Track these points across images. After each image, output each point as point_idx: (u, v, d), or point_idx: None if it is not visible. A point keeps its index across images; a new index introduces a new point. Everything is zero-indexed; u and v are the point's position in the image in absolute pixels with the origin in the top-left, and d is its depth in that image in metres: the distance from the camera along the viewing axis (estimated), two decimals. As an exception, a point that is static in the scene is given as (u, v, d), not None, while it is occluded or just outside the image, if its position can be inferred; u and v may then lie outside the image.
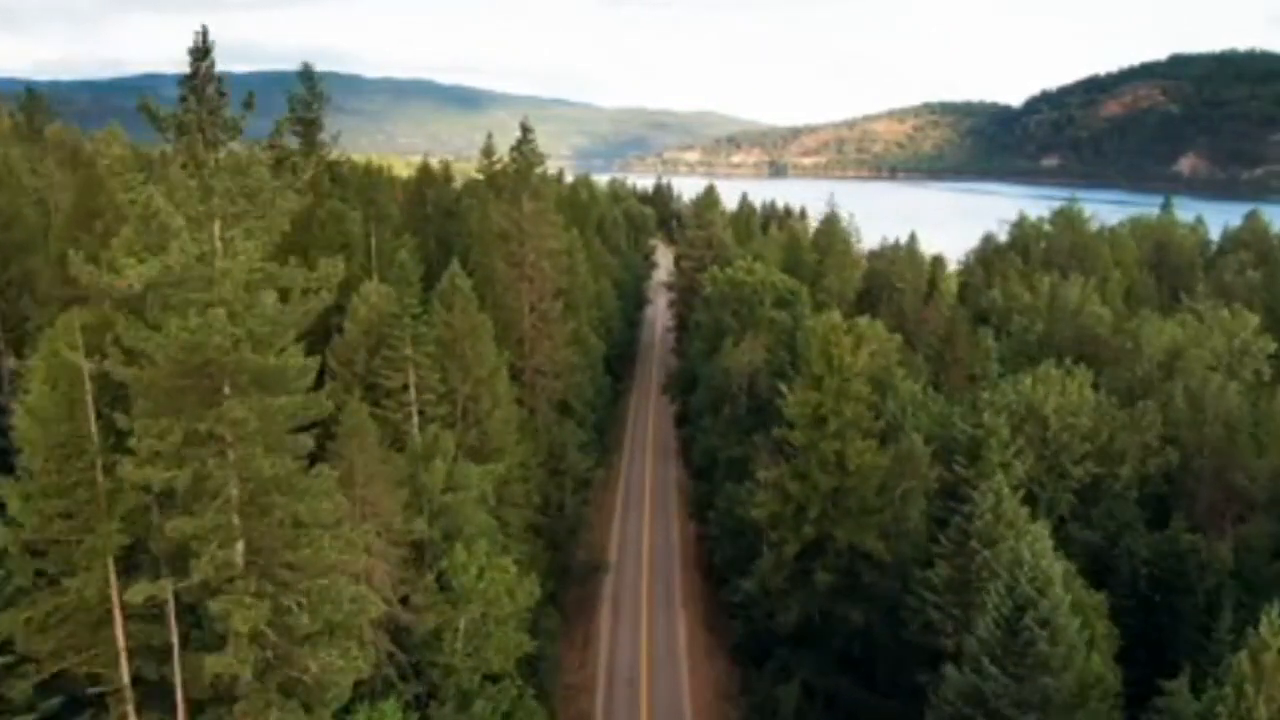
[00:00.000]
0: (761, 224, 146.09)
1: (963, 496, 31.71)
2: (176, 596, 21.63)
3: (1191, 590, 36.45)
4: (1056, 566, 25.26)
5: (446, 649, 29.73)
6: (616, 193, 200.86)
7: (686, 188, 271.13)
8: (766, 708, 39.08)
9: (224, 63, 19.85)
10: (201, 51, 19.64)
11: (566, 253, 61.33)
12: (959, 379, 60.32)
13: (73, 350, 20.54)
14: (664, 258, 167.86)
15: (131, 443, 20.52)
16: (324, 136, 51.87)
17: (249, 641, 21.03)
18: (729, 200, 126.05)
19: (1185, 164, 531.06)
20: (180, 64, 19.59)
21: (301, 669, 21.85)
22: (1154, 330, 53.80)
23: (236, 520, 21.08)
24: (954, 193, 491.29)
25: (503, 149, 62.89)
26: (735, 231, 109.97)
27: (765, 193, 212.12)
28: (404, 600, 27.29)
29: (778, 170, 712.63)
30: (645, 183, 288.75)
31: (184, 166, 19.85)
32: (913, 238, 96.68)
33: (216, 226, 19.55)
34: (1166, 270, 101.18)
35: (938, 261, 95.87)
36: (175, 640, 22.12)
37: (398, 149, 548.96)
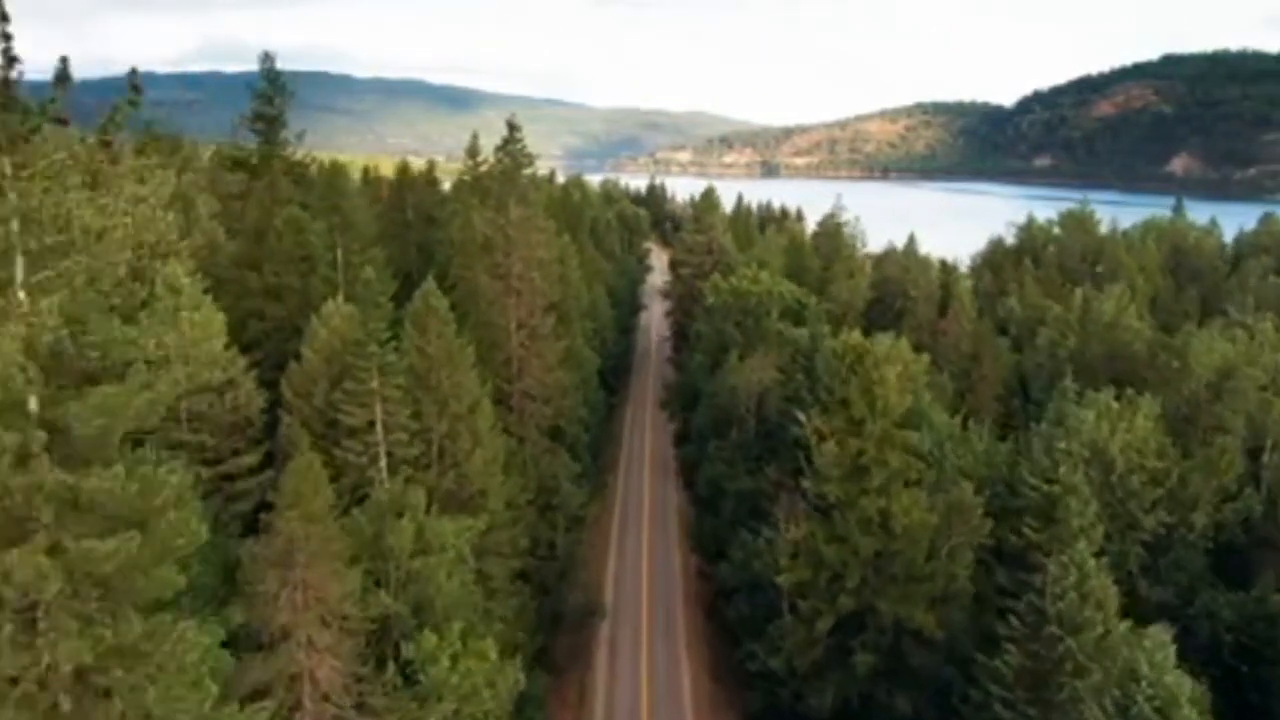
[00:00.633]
0: (758, 226, 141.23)
1: (1032, 564, 26.63)
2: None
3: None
4: (1185, 684, 20.33)
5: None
6: (610, 194, 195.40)
7: (679, 188, 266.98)
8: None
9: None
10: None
11: (558, 261, 56.22)
12: (986, 399, 55.65)
13: None
14: (658, 260, 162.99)
15: None
16: (287, 134, 46.89)
17: None
18: (724, 201, 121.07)
19: (1178, 164, 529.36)
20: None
21: None
22: (1202, 347, 48.81)
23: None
24: (947, 193, 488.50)
25: (490, 149, 57.74)
26: (735, 235, 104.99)
27: (758, 193, 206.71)
28: (359, 705, 22.20)
29: (770, 170, 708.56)
30: (638, 183, 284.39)
31: None
32: (912, 240, 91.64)
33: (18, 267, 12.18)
34: (1186, 276, 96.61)
35: (950, 267, 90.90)
36: None
37: (388, 149, 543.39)
